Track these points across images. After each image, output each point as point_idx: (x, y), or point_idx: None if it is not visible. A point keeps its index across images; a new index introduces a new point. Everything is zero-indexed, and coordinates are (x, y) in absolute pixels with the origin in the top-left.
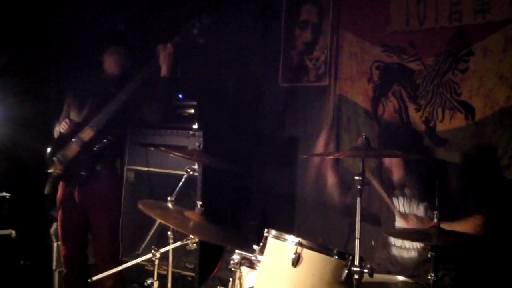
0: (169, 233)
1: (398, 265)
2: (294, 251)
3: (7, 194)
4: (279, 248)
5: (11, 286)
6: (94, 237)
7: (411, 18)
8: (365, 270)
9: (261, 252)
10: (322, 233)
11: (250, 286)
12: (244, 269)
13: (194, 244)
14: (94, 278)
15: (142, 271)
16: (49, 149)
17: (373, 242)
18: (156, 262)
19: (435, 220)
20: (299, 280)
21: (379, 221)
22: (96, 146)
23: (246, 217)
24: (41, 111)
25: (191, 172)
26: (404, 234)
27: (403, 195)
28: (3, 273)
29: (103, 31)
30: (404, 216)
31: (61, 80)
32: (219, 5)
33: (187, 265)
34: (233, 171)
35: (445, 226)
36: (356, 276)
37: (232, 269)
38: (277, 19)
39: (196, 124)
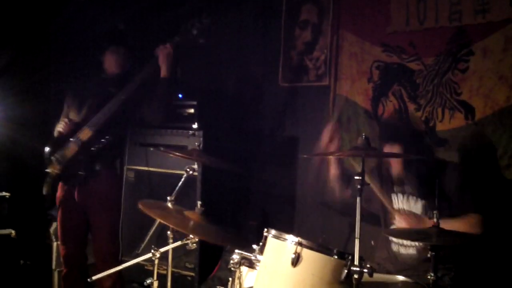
0: (168, 232)
1: (397, 264)
2: (293, 251)
3: (7, 194)
4: (279, 247)
5: (10, 285)
6: (94, 237)
7: (411, 18)
8: (365, 270)
9: (261, 251)
10: (322, 233)
11: (250, 285)
12: (244, 268)
13: (194, 244)
14: (94, 277)
15: (142, 271)
16: (47, 149)
17: (372, 242)
18: (156, 261)
19: (435, 219)
20: (298, 279)
21: (379, 221)
22: (95, 146)
23: (246, 217)
24: (41, 111)
25: (191, 172)
26: (404, 234)
27: (402, 192)
28: (3, 273)
29: (103, 31)
30: (401, 213)
31: (61, 80)
32: (219, 5)
33: (187, 264)
34: (233, 171)
35: (441, 223)
36: (355, 276)
37: (232, 268)
38: (277, 19)
39: (196, 124)
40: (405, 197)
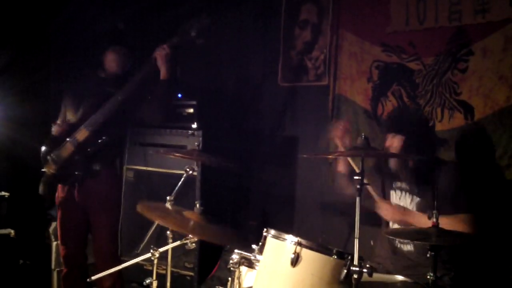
0: (168, 232)
1: (397, 262)
2: (293, 251)
3: (6, 194)
4: (278, 247)
5: (10, 285)
6: (94, 237)
7: (411, 17)
8: (364, 270)
9: (260, 251)
10: (322, 233)
11: (249, 285)
12: (243, 268)
13: (193, 244)
14: (93, 277)
15: (141, 271)
16: (43, 148)
17: (372, 242)
18: (155, 261)
19: (434, 219)
20: (298, 279)
21: (379, 221)
22: (91, 146)
23: (246, 217)
24: (41, 111)
25: (190, 172)
26: (404, 234)
27: (400, 189)
28: (2, 273)
29: (103, 31)
30: (386, 202)
31: (61, 80)
32: (218, 5)
33: (186, 264)
34: (233, 169)
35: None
36: (355, 276)
37: (231, 268)
38: (276, 19)
39: (196, 123)
40: (403, 194)
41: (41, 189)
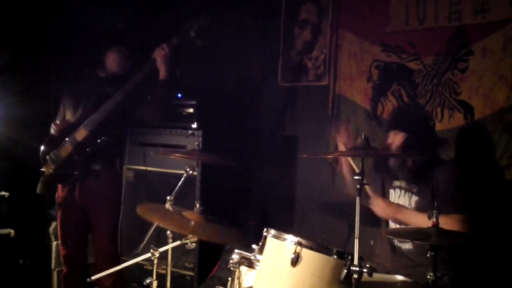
0: (168, 232)
1: (396, 262)
2: (293, 251)
3: (6, 194)
4: (278, 247)
5: (10, 285)
6: (95, 236)
7: (411, 17)
8: (364, 270)
9: (260, 251)
10: (322, 233)
11: (249, 285)
12: (243, 268)
13: (193, 244)
14: (93, 277)
15: (141, 271)
16: (42, 148)
17: (372, 242)
18: (155, 261)
19: (434, 219)
20: (298, 279)
21: (379, 221)
22: (90, 147)
23: (246, 217)
24: (41, 111)
25: (190, 172)
26: (404, 234)
27: (399, 188)
28: (2, 273)
29: (103, 31)
30: (378, 197)
31: (61, 80)
32: (218, 5)
33: (186, 264)
34: (232, 167)
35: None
36: (355, 276)
37: (231, 268)
38: (276, 18)
39: (195, 123)
40: (402, 193)
41: (39, 188)
